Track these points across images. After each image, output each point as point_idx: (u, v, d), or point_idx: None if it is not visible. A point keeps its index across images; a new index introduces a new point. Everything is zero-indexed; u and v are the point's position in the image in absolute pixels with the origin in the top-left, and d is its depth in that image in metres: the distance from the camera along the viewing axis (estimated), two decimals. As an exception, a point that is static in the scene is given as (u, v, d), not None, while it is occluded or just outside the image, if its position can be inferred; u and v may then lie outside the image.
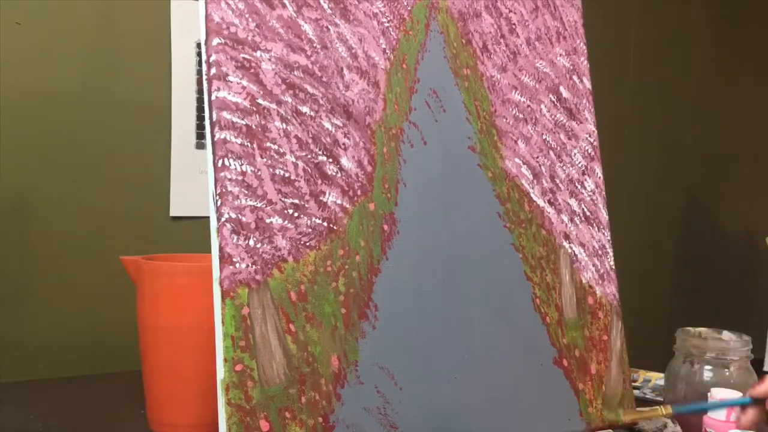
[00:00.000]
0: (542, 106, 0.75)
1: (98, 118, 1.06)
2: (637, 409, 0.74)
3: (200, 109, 1.13)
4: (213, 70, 0.50)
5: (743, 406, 0.51)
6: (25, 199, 1.01)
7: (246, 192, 0.50)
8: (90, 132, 1.06)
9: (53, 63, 1.03)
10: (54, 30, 1.02)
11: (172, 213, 1.12)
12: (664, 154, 1.73)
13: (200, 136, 1.14)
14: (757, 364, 0.82)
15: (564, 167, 0.76)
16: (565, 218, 0.75)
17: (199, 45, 1.13)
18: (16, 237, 1.00)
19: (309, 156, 0.54)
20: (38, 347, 1.02)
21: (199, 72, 1.13)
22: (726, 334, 0.84)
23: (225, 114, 0.50)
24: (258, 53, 0.52)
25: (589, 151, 0.78)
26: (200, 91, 1.13)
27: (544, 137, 0.75)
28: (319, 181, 0.54)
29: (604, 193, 0.79)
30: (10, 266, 1.00)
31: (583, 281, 0.75)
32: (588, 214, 0.77)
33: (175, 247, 1.05)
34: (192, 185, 1.13)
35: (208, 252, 0.81)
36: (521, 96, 0.73)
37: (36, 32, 1.01)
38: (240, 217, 0.49)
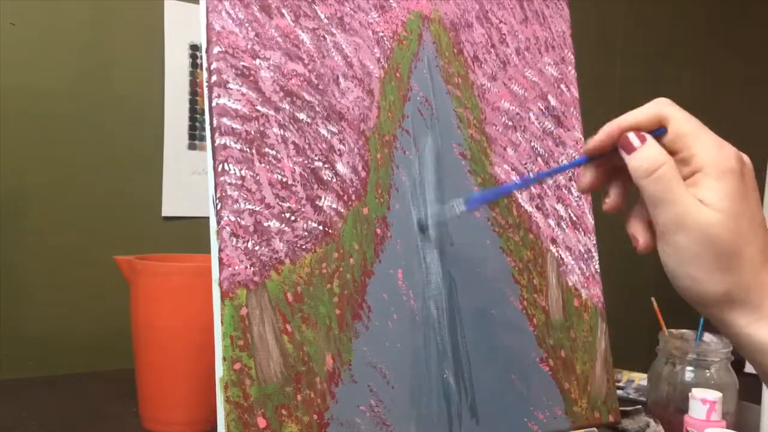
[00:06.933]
0: (531, 113, 0.77)
1: (91, 119, 1.07)
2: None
3: (193, 111, 1.14)
4: (214, 78, 0.51)
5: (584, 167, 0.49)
6: (18, 198, 1.02)
7: (245, 196, 0.51)
8: (82, 132, 1.06)
9: (46, 63, 1.03)
10: (47, 30, 1.03)
11: (164, 213, 1.13)
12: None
13: (193, 137, 1.14)
14: (737, 365, 0.84)
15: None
16: (552, 223, 0.77)
17: (192, 46, 1.14)
18: (8, 235, 1.01)
19: (305, 161, 0.56)
20: (30, 345, 1.02)
21: (192, 73, 1.14)
22: (707, 336, 0.86)
23: (225, 120, 0.51)
24: (257, 61, 0.54)
25: (577, 157, 0.80)
26: (193, 93, 1.14)
27: (532, 144, 0.77)
28: (315, 186, 0.56)
29: (590, 198, 0.81)
30: (2, 265, 1.00)
31: (569, 284, 0.77)
32: (574, 219, 0.79)
33: (167, 247, 1.05)
34: (184, 186, 1.14)
35: (200, 252, 0.82)
36: (510, 104, 0.75)
37: (29, 32, 1.02)
38: (239, 220, 0.51)
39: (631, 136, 0.45)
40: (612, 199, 0.49)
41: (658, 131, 0.45)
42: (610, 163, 0.48)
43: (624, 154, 0.45)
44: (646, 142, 0.44)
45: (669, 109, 0.45)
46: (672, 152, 0.44)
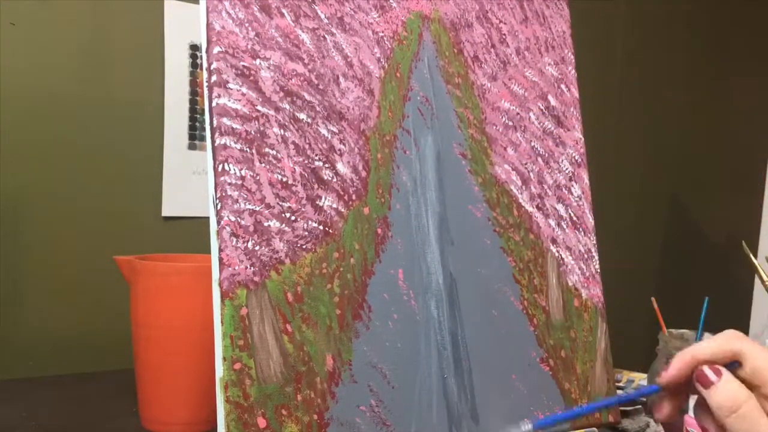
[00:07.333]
0: (531, 113, 0.77)
1: (91, 119, 1.07)
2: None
3: (193, 111, 1.14)
4: (214, 78, 0.51)
5: (654, 396, 0.50)
6: (18, 198, 1.02)
7: (245, 196, 0.51)
8: (83, 132, 1.06)
9: (46, 64, 1.03)
10: (47, 30, 1.03)
11: (164, 213, 1.13)
12: (649, 161, 1.76)
13: (193, 137, 1.14)
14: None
15: (552, 173, 0.78)
16: (553, 223, 0.77)
17: (192, 46, 1.14)
18: (8, 236, 1.01)
19: (306, 161, 0.56)
20: (30, 345, 1.02)
21: (192, 74, 1.14)
22: (707, 336, 0.86)
23: (225, 120, 0.51)
24: (257, 61, 0.54)
25: (576, 157, 0.80)
26: (193, 93, 1.14)
27: (532, 144, 0.77)
28: (316, 186, 0.56)
29: (590, 198, 0.82)
30: (2, 265, 1.00)
31: (570, 284, 0.77)
32: (575, 219, 0.79)
33: (167, 247, 1.05)
34: (184, 186, 1.14)
35: (200, 252, 0.82)
36: (511, 104, 0.75)
37: (29, 33, 1.02)
38: (239, 220, 0.51)
39: (707, 371, 0.44)
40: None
41: (732, 365, 0.44)
42: (683, 390, 0.47)
43: (701, 389, 0.44)
44: (722, 377, 0.43)
45: (742, 343, 0.44)
46: (750, 387, 0.43)
